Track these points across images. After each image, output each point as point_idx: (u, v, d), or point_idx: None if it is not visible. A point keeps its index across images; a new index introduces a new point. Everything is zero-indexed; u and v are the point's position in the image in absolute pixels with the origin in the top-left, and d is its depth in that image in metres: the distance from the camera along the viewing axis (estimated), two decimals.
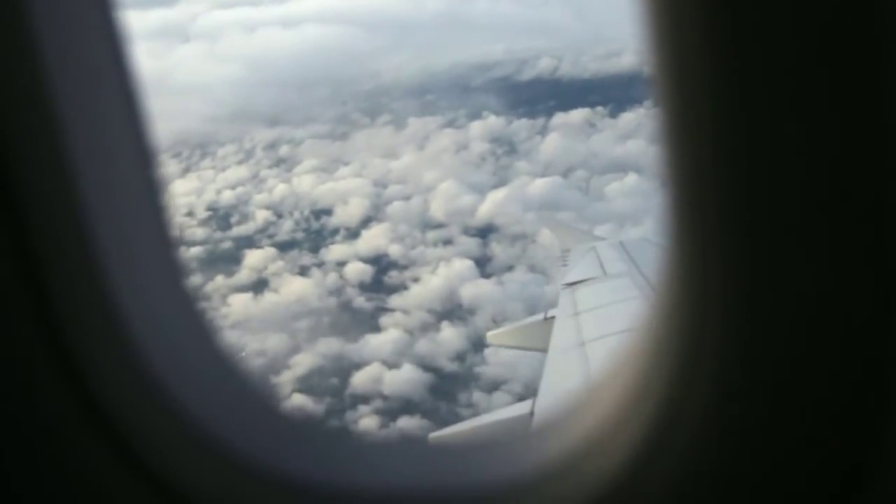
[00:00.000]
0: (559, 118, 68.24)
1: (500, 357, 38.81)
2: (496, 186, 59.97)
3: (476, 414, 36.08)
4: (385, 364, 41.50)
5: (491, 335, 14.97)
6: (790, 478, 1.03)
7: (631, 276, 11.96)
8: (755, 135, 0.90)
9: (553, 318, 11.47)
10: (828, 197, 0.92)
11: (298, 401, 39.09)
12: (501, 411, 10.43)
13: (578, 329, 10.48)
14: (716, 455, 1.05)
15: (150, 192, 1.23)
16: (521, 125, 69.20)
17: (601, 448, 1.13)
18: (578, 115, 67.43)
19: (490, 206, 56.56)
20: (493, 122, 70.17)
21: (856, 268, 0.95)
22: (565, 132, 65.89)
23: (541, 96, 75.22)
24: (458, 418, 36.89)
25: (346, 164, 68.37)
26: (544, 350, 10.42)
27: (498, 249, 52.07)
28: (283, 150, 73.02)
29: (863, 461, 1.01)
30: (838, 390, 0.99)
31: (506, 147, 66.74)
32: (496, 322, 43.46)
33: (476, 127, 70.22)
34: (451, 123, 72.70)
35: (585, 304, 11.40)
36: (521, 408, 9.33)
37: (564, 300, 11.97)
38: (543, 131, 66.89)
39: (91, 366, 1.15)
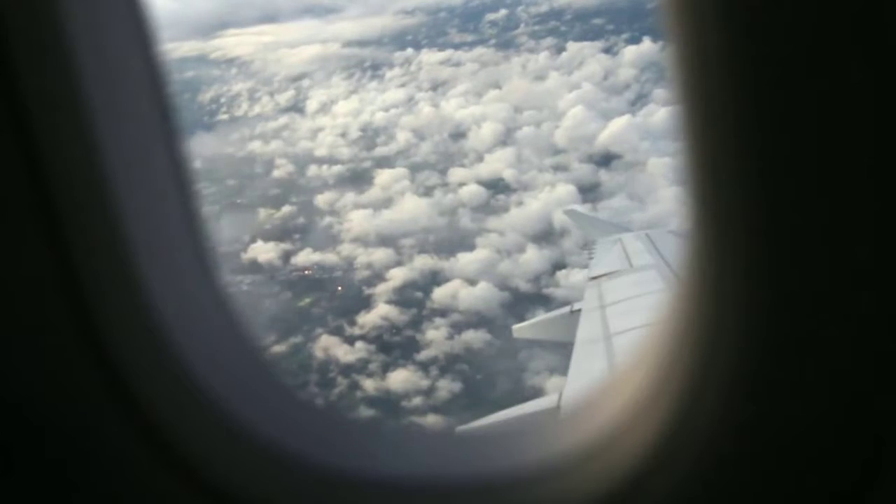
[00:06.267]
0: None
1: (570, 280, 40.46)
2: (626, 114, 60.06)
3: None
4: (467, 281, 44.25)
5: (516, 328, 14.43)
6: (806, 471, 1.04)
7: (657, 269, 11.81)
8: (775, 131, 0.88)
9: (579, 310, 11.32)
10: (852, 194, 0.89)
11: (384, 311, 42.94)
12: (528, 404, 10.28)
13: (605, 322, 10.42)
14: (732, 450, 1.04)
15: (180, 185, 1.24)
16: None
17: (619, 440, 1.13)
18: None
19: (611, 133, 56.98)
20: (647, 47, 69.12)
21: (876, 267, 0.92)
22: None
23: None
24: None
25: (497, 88, 70.28)
26: (570, 343, 10.33)
27: (606, 177, 52.74)
28: (445, 73, 75.87)
29: (880, 457, 1.01)
30: (858, 387, 0.98)
31: (653, 74, 65.87)
32: (582, 248, 44.76)
33: (629, 52, 69.64)
34: (607, 49, 72.37)
35: (612, 297, 11.28)
36: (548, 401, 9.27)
37: (590, 293, 11.80)
38: None
39: (120, 352, 1.16)
